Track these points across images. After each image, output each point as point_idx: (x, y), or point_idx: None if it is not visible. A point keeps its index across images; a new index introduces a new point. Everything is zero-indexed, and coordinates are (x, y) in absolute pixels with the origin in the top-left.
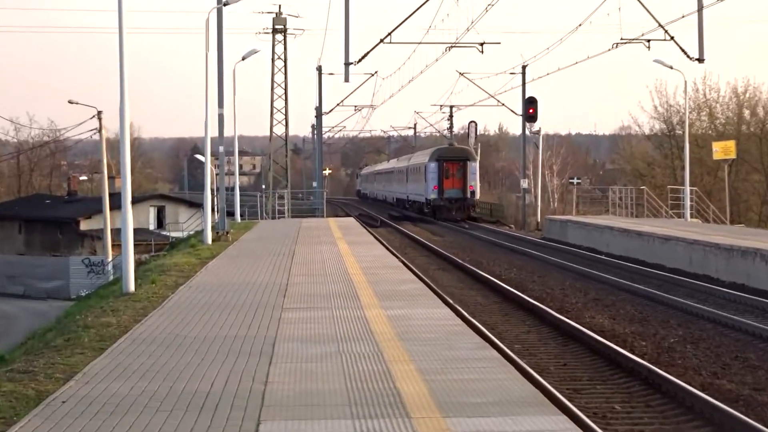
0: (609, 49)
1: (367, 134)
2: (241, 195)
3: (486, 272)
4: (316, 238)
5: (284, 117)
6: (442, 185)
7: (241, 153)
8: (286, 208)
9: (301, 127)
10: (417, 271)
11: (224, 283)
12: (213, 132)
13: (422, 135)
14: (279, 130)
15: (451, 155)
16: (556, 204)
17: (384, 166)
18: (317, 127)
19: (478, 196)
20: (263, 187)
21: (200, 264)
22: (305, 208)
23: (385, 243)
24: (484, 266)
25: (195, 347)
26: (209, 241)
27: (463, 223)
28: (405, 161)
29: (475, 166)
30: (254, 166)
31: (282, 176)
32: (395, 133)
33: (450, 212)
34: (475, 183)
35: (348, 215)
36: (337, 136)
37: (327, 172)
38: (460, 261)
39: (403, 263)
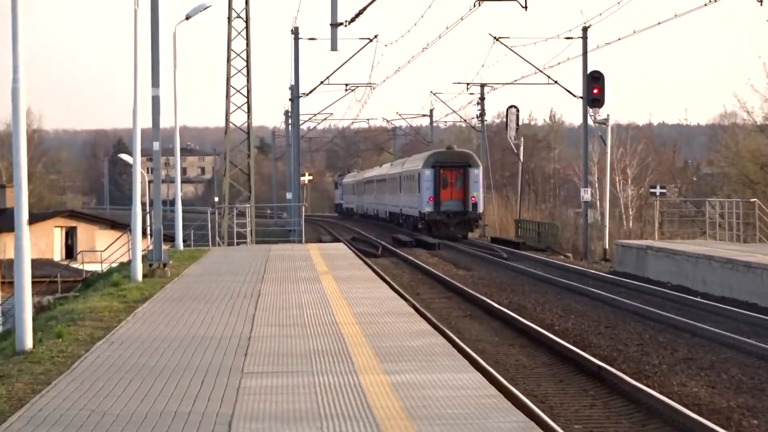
0: (705, 5)
1: (364, 124)
2: (184, 212)
3: (532, 321)
4: (292, 273)
5: (246, 100)
6: (438, 196)
7: (185, 152)
8: (248, 230)
9: (270, 115)
10: (434, 319)
11: (160, 336)
12: (144, 122)
13: (441, 125)
14: (239, 119)
15: (450, 160)
16: (631, 223)
17: (374, 172)
18: (293, 114)
19: (481, 209)
20: (216, 200)
21: (126, 310)
22: (276, 230)
23: (388, 279)
24: (529, 312)
25: (117, 430)
26: (139, 277)
27: (498, 252)
28: (399, 167)
29: (477, 174)
30: (203, 171)
31: (243, 185)
32: (404, 124)
33: (448, 228)
34: (477, 193)
35: (337, 239)
36: (321, 127)
37: (307, 178)
38: (495, 305)
39: (414, 308)
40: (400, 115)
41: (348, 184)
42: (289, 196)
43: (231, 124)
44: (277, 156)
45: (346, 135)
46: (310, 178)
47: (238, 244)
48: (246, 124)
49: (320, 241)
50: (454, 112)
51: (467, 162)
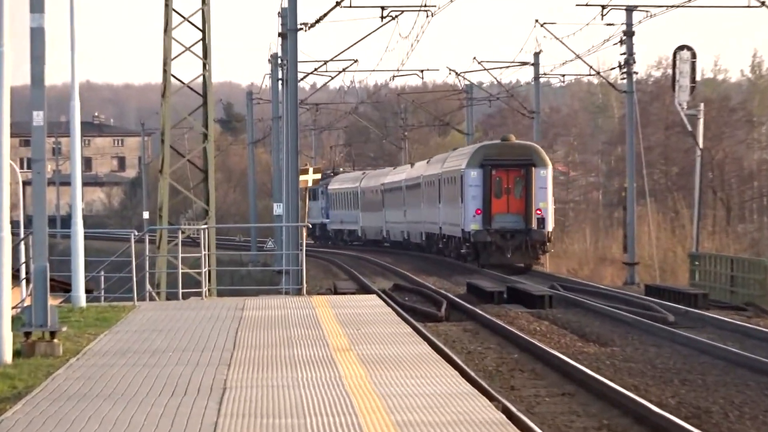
0: None
1: (414, 80)
2: (91, 237)
3: None
4: (284, 350)
5: (201, 36)
6: (489, 208)
7: (92, 129)
8: (204, 271)
9: (245, 64)
10: None
11: None
12: (17, 76)
13: (553, 82)
14: (188, 69)
15: (505, 156)
16: None
17: (400, 175)
18: (287, 61)
19: (551, 226)
20: (145, 217)
21: None
22: (254, 273)
23: (459, 362)
24: (715, 422)
25: None
26: (7, 356)
27: (658, 312)
28: (437, 165)
29: (545, 175)
30: (122, 163)
31: (195, 190)
32: (486, 79)
33: (503, 254)
34: (545, 204)
35: (365, 289)
36: (336, 85)
37: (311, 176)
38: (653, 408)
39: (506, 414)
40: (479, 63)
41: (342, 192)
42: (278, 209)
43: (173, 79)
44: (256, 137)
45: (383, 99)
46: (317, 177)
47: (185, 296)
48: (201, 79)
49: (335, 290)
50: (578, 57)
51: (530, 159)
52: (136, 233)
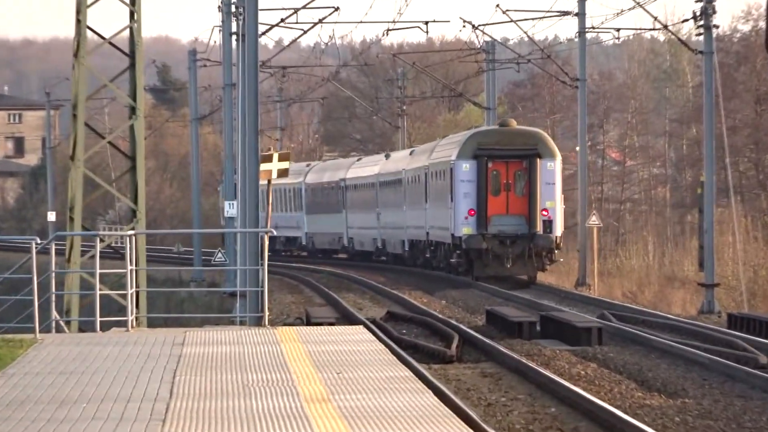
0: None
1: (417, 36)
2: None
3: None
4: (239, 401)
5: None
6: (485, 208)
7: None
8: (129, 293)
9: (186, 14)
10: None
11: None
12: None
13: (607, 40)
14: (109, 22)
15: (504, 145)
16: None
17: (370, 168)
18: (246, 7)
19: (560, 230)
20: (51, 218)
21: None
22: (196, 296)
23: (476, 418)
24: None
25: None
26: None
27: (743, 350)
28: (423, 157)
29: (553, 168)
30: (20, 146)
31: (119, 184)
32: (515, 35)
33: (501, 264)
34: (553, 203)
35: (348, 318)
36: (309, 43)
37: (276, 165)
38: None
39: None
40: (504, 12)
41: (275, 189)
42: (230, 209)
43: (89, 33)
44: (202, 112)
45: (374, 61)
46: (285, 166)
47: (105, 327)
48: (127, 33)
49: (307, 320)
50: (639, 5)
51: (534, 148)
52: (39, 241)
